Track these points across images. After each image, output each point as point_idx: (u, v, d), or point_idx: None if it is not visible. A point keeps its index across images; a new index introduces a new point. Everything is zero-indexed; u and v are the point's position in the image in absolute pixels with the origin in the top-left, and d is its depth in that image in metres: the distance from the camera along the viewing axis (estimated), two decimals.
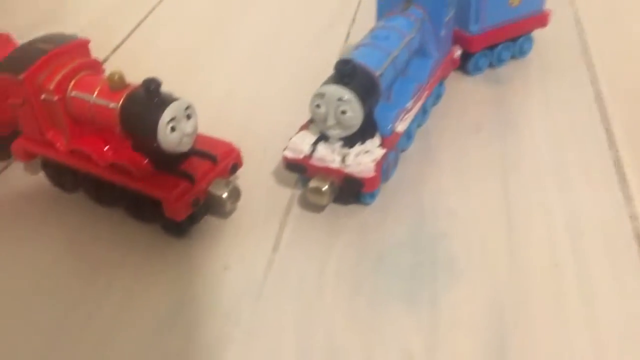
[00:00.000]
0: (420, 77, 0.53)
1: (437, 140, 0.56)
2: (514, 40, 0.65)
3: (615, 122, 0.57)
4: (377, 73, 0.47)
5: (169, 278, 0.45)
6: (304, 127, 0.50)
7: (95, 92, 0.47)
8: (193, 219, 0.48)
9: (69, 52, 0.49)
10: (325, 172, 0.47)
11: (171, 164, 0.47)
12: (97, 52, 0.51)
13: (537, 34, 0.66)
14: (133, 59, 0.50)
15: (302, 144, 0.48)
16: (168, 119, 0.44)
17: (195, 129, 0.46)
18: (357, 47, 0.50)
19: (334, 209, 0.50)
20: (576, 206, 0.49)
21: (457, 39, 0.61)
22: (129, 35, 0.75)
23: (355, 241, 0.47)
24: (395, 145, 0.50)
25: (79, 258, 0.47)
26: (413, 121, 0.54)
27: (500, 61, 0.65)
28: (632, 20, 0.74)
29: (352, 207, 0.50)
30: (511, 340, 0.40)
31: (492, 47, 0.63)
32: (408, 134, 0.54)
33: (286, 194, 0.51)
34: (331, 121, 0.46)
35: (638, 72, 0.63)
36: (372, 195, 0.49)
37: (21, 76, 0.46)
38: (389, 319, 0.41)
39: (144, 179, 0.46)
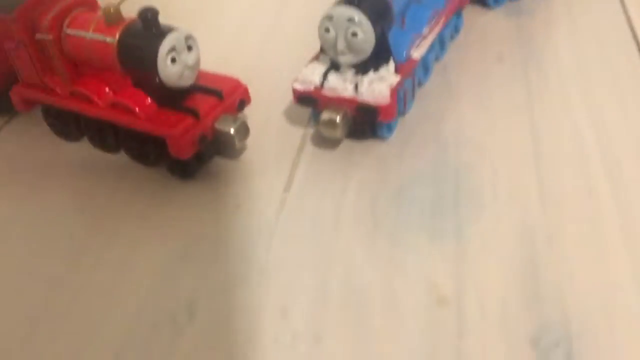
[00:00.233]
0: (436, 3, 0.50)
1: (457, 74, 0.53)
2: None
3: None
4: None
5: (178, 220, 0.43)
6: (315, 58, 0.47)
7: (91, 28, 0.44)
8: (200, 160, 0.45)
9: None
10: (338, 103, 0.44)
11: (174, 101, 0.44)
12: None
13: None
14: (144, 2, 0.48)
15: (313, 74, 0.45)
16: (167, 49, 0.41)
17: (198, 61, 0.43)
18: None
19: (349, 145, 0.47)
20: (609, 132, 0.45)
21: None
22: None
23: (372, 176, 0.44)
24: (412, 73, 0.46)
25: (84, 206, 0.45)
26: (430, 52, 0.50)
27: None
28: None
29: (369, 143, 0.47)
30: (544, 269, 0.36)
31: None
32: (425, 66, 0.51)
33: (299, 133, 0.49)
34: (341, 45, 0.43)
35: None
36: (389, 128, 0.46)
37: (13, 14, 0.44)
38: (412, 251, 0.39)
39: (147, 118, 0.44)
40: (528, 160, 0.44)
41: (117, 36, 0.43)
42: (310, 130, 0.48)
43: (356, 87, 0.44)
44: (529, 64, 0.53)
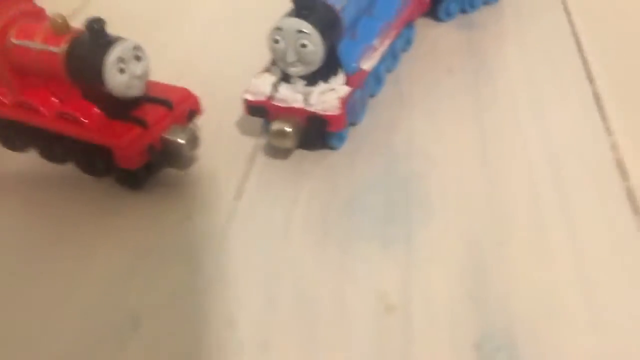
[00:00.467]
0: (387, 15, 0.51)
1: (409, 85, 0.54)
2: None
3: (592, 58, 0.54)
4: (338, 7, 0.44)
5: (126, 231, 0.42)
6: (265, 69, 0.47)
7: (38, 38, 0.44)
8: (150, 170, 0.45)
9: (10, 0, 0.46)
10: (289, 113, 0.44)
11: (123, 111, 0.43)
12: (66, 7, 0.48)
13: None
14: (101, 12, 0.48)
15: (263, 85, 0.45)
16: (114, 59, 0.41)
17: (146, 71, 0.43)
18: None
19: (300, 155, 0.47)
20: (555, 140, 0.46)
21: None
22: None
23: (323, 186, 0.44)
24: (362, 84, 0.47)
25: (32, 216, 0.44)
26: (382, 64, 0.51)
27: (472, 6, 0.62)
28: None
29: (320, 153, 0.47)
30: (490, 275, 0.37)
31: None
32: (377, 78, 0.51)
33: (250, 143, 0.48)
34: (291, 57, 0.43)
35: (613, 9, 0.61)
36: (340, 138, 0.47)
37: None
38: (361, 259, 0.39)
39: (94, 128, 0.43)
40: (476, 168, 0.45)
41: (65, 46, 0.43)
42: (262, 141, 0.48)
43: (306, 97, 0.44)
44: (478, 75, 0.54)
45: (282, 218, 0.42)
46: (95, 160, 0.45)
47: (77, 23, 0.44)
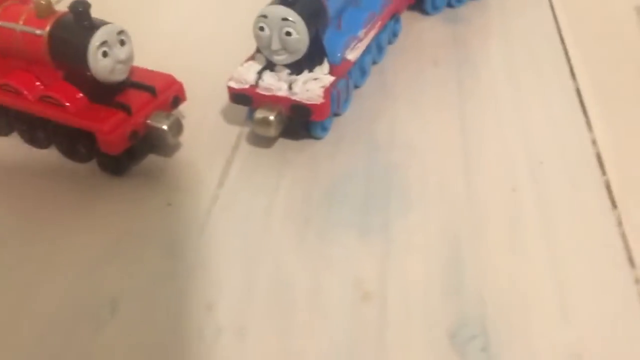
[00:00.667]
0: (372, 6, 0.51)
1: (393, 76, 0.54)
2: None
3: (575, 54, 0.55)
4: None
5: (107, 216, 0.42)
6: (250, 58, 0.47)
7: (22, 20, 0.43)
8: (132, 156, 0.45)
9: None
10: (272, 101, 0.44)
11: (106, 96, 0.43)
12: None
13: None
14: None
15: (248, 73, 0.45)
16: (98, 42, 0.41)
17: (131, 56, 0.43)
18: None
19: (284, 143, 0.47)
20: (536, 134, 0.47)
21: None
22: None
23: (305, 174, 0.45)
24: (347, 74, 0.47)
25: (12, 197, 0.44)
26: (367, 55, 0.51)
27: (458, 1, 0.63)
28: None
29: (303, 142, 0.47)
30: (466, 265, 0.37)
31: None
32: (362, 69, 0.52)
33: (234, 131, 0.49)
34: (276, 45, 0.43)
35: (597, 6, 0.62)
36: (324, 128, 0.47)
37: None
38: (339, 247, 0.39)
39: (77, 113, 0.43)
40: (457, 159, 0.45)
41: (48, 28, 0.42)
42: (246, 130, 0.48)
43: (290, 86, 0.44)
44: (462, 68, 0.54)
45: (263, 205, 0.42)
46: (77, 145, 0.45)
47: (64, 7, 0.44)
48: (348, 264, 0.38)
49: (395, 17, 0.56)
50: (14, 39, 0.44)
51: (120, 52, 0.42)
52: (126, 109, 0.43)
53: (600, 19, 0.60)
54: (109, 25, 0.42)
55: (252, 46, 0.46)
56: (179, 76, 0.47)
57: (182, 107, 0.47)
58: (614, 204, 0.41)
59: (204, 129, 0.49)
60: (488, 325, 0.34)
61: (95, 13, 0.42)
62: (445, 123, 0.48)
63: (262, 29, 0.43)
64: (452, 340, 0.33)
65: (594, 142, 0.46)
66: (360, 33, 0.49)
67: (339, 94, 0.46)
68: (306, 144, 0.47)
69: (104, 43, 0.41)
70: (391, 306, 0.35)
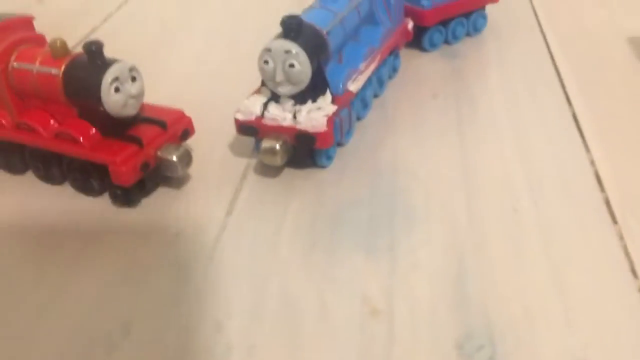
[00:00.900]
0: (372, 41, 0.53)
1: (394, 109, 0.56)
2: (467, 16, 0.65)
3: (570, 83, 0.57)
4: (325, 30, 0.47)
5: (118, 245, 0.43)
6: (256, 91, 0.49)
7: (38, 61, 0.46)
8: (143, 189, 0.46)
9: (11, 27, 0.48)
10: (278, 131, 0.46)
11: (118, 130, 0.45)
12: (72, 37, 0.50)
13: (491, 12, 0.67)
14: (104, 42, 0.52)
15: (254, 105, 0.47)
16: (111, 78, 0.43)
17: (141, 91, 0.45)
18: (305, 10, 0.50)
19: (290, 173, 0.49)
20: (535, 156, 0.48)
21: (411, 15, 0.61)
22: (103, 22, 0.75)
23: (311, 201, 0.46)
24: (349, 104, 0.49)
25: (24, 230, 0.45)
26: (368, 88, 0.53)
27: (455, 38, 0.65)
28: None
29: (309, 170, 0.49)
30: (470, 280, 0.38)
31: (445, 24, 0.64)
32: (364, 102, 0.53)
33: (242, 163, 0.50)
34: (280, 77, 0.45)
35: (589, 39, 0.64)
36: (328, 156, 0.48)
37: None
38: (346, 267, 0.40)
39: (91, 147, 0.45)
40: (458, 183, 0.46)
41: (63, 68, 0.45)
42: (253, 161, 0.50)
43: (295, 116, 0.46)
44: (461, 99, 0.56)
45: (271, 231, 0.43)
46: (90, 180, 0.46)
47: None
48: (355, 283, 0.39)
49: (394, 52, 0.58)
50: (30, 80, 0.46)
51: (132, 88, 0.44)
52: (137, 142, 0.45)
53: (592, 47, 0.62)
54: (120, 62, 0.44)
55: (256, 81, 0.48)
56: (188, 110, 0.49)
57: (191, 140, 0.49)
58: (614, 220, 0.42)
59: (212, 161, 0.50)
60: (494, 336, 0.34)
61: (108, 52, 0.44)
62: (446, 150, 0.50)
63: (266, 62, 0.45)
64: (459, 351, 0.34)
65: (592, 162, 0.47)
66: (361, 66, 0.51)
67: (342, 123, 0.48)
68: (312, 172, 0.48)
69: (116, 79, 0.43)
70: (399, 321, 0.36)
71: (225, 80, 0.61)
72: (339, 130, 0.48)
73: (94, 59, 0.44)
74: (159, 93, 0.49)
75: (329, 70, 0.48)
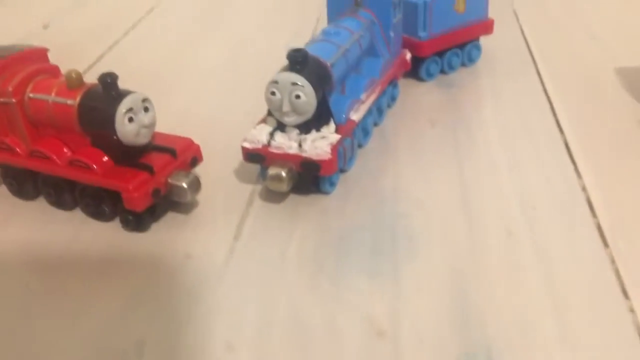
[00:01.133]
0: (372, 72, 0.55)
1: (394, 136, 0.58)
2: (462, 47, 0.68)
3: (561, 112, 0.59)
4: (329, 62, 0.49)
5: (130, 268, 0.45)
6: (262, 120, 0.51)
7: (54, 92, 0.48)
8: (154, 214, 0.48)
9: (27, 58, 0.50)
10: (284, 159, 0.48)
11: (130, 158, 0.47)
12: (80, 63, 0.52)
13: (485, 44, 0.70)
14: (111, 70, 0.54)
15: (260, 134, 0.49)
16: (125, 109, 0.45)
17: (153, 121, 0.47)
18: (309, 43, 0.52)
19: (294, 199, 0.50)
20: (530, 183, 0.50)
21: (409, 46, 0.63)
22: (110, 48, 0.77)
23: (316, 226, 0.48)
24: (351, 133, 0.51)
25: (37, 255, 0.47)
26: (369, 117, 0.56)
27: (450, 68, 0.68)
28: (570, 23, 0.78)
29: (313, 197, 0.50)
30: (471, 301, 0.40)
31: (441, 54, 0.66)
32: (365, 130, 0.56)
33: (247, 189, 0.52)
34: (286, 107, 0.47)
35: (579, 69, 0.67)
36: (332, 183, 0.50)
37: None
38: (351, 290, 0.42)
39: (104, 174, 0.47)
40: (457, 209, 0.48)
41: (78, 99, 0.46)
42: (259, 187, 0.52)
43: (300, 144, 0.48)
44: (458, 127, 0.58)
45: (278, 255, 0.45)
46: (102, 205, 0.48)
47: (89, 79, 0.48)
48: (361, 305, 0.40)
49: (393, 82, 0.60)
50: (46, 110, 0.48)
51: (145, 118, 0.46)
52: (149, 169, 0.46)
53: (582, 77, 0.65)
54: (134, 94, 0.46)
55: (261, 111, 0.50)
56: (197, 139, 0.51)
57: (200, 168, 0.51)
58: (605, 243, 0.44)
59: (219, 187, 0.52)
60: (493, 354, 0.36)
61: (121, 84, 0.46)
62: (445, 177, 0.52)
63: (273, 93, 0.47)
64: None
65: (583, 188, 0.49)
66: (362, 96, 0.53)
67: (345, 151, 0.50)
68: (316, 198, 0.50)
69: (130, 110, 0.45)
70: (403, 341, 0.37)
71: (230, 109, 0.63)
72: (343, 158, 0.50)
73: (108, 90, 0.45)
74: (166, 119, 0.50)
75: (333, 100, 0.50)
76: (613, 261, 0.42)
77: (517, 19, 0.81)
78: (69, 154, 0.48)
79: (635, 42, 0.73)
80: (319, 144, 0.47)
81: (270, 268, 0.44)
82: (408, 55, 0.62)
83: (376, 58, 0.57)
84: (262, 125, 0.50)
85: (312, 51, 0.49)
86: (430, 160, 0.54)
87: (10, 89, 0.48)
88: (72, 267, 0.45)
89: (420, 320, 0.39)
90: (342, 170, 0.52)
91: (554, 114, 0.59)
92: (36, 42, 0.57)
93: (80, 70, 0.49)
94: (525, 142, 0.55)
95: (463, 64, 0.69)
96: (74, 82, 0.47)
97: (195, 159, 0.50)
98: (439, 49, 0.65)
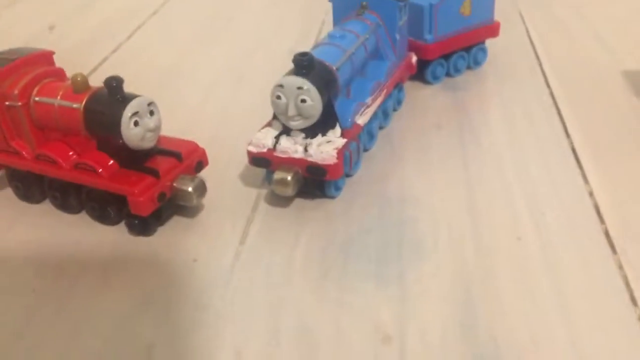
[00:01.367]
0: (378, 76, 0.55)
1: (400, 140, 0.58)
2: (468, 50, 0.67)
3: (568, 116, 0.59)
4: (335, 66, 0.49)
5: (137, 273, 0.45)
6: (268, 124, 0.51)
7: (59, 95, 0.47)
8: (159, 218, 0.48)
9: (33, 61, 0.50)
10: (289, 163, 0.48)
11: (136, 162, 0.47)
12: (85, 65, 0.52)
13: (491, 46, 0.69)
14: (115, 72, 0.54)
15: (266, 138, 0.49)
16: (130, 113, 0.45)
17: (159, 125, 0.47)
18: (315, 46, 0.52)
19: (300, 203, 0.50)
20: (537, 188, 0.50)
21: (415, 49, 0.63)
22: (114, 51, 0.77)
23: (322, 230, 0.47)
24: (357, 137, 0.51)
25: (42, 259, 0.47)
26: (374, 120, 0.55)
27: (456, 71, 0.67)
28: (576, 26, 0.77)
29: (318, 201, 0.50)
30: (478, 307, 0.40)
31: (447, 57, 0.66)
32: (370, 133, 0.55)
33: (253, 193, 0.52)
34: (292, 111, 0.47)
35: (586, 73, 0.67)
36: (337, 187, 0.50)
37: None
38: (358, 295, 0.41)
39: (110, 178, 0.46)
40: (464, 212, 0.48)
41: (84, 102, 0.46)
42: (264, 191, 0.52)
43: (306, 149, 0.48)
44: (464, 130, 0.58)
45: (284, 259, 0.45)
46: (108, 209, 0.48)
47: (93, 81, 0.48)
48: (367, 310, 0.40)
49: (399, 86, 0.60)
50: (52, 113, 0.48)
51: (150, 122, 0.46)
52: (154, 173, 0.46)
53: (589, 81, 0.65)
54: (139, 98, 0.46)
55: (266, 114, 0.50)
56: (202, 143, 0.50)
57: (205, 171, 0.51)
58: (613, 250, 0.43)
59: (225, 191, 0.52)
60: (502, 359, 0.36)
61: (126, 87, 0.46)
62: (451, 180, 0.52)
63: (279, 97, 0.47)
64: None
65: (590, 194, 0.49)
66: (368, 100, 0.53)
67: (351, 155, 0.50)
68: (321, 203, 0.50)
69: (135, 113, 0.45)
70: (410, 347, 0.37)
71: (235, 113, 0.63)
72: (348, 162, 0.50)
73: (114, 93, 0.45)
74: (171, 123, 0.50)
75: (338, 104, 0.50)
76: (621, 267, 0.42)
77: (524, 22, 0.81)
78: (75, 157, 0.48)
79: None
80: (325, 148, 0.47)
81: (276, 272, 0.44)
82: (414, 58, 0.62)
83: (382, 61, 0.57)
84: (268, 129, 0.50)
85: (317, 55, 0.49)
86: (436, 163, 0.54)
87: (16, 92, 0.48)
88: (77, 271, 0.45)
89: (426, 326, 0.39)
90: (347, 175, 0.52)
91: (561, 118, 0.59)
92: (41, 44, 0.57)
93: (85, 72, 0.49)
94: (532, 146, 0.55)
95: (469, 67, 0.69)
96: (80, 85, 0.47)
97: (201, 163, 0.50)
98: (445, 52, 0.65)
